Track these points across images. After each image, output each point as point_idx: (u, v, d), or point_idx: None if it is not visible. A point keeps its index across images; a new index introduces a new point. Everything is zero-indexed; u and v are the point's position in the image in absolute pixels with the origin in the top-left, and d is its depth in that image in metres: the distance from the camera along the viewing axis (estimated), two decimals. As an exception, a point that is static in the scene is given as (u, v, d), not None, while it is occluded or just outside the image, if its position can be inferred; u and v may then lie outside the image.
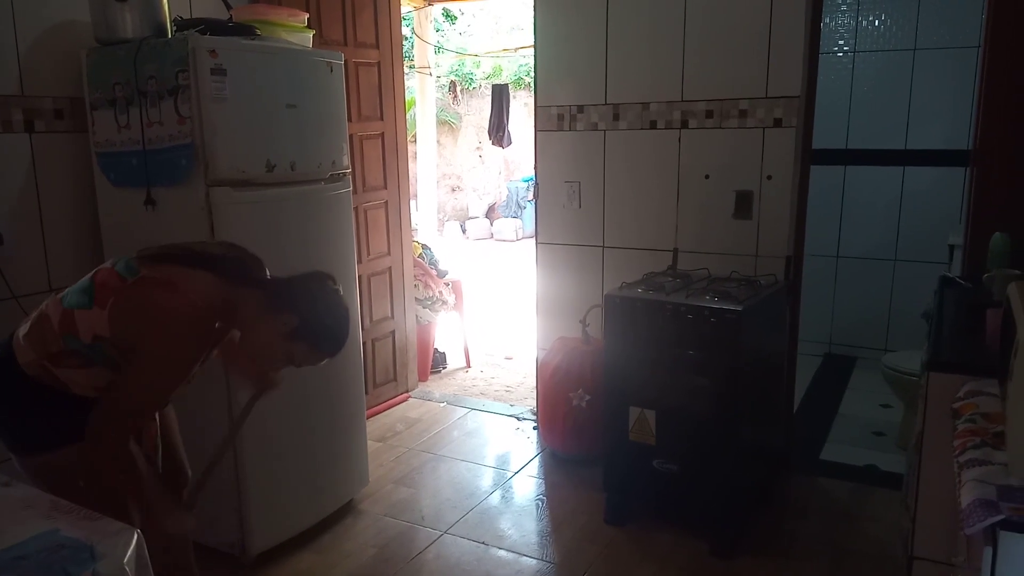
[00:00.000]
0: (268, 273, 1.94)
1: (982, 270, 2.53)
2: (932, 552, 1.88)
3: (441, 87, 12.54)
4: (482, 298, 6.94)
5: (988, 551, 1.20)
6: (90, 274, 1.83)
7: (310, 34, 2.94)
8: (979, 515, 1.21)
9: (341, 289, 1.97)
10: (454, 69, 12.95)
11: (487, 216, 12.79)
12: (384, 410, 4.19)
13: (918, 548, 1.92)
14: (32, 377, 1.76)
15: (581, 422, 3.38)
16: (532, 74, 3.72)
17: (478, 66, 12.94)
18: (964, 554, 1.49)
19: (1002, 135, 2.67)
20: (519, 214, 12.19)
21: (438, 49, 9.88)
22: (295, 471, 2.81)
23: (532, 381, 4.18)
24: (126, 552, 1.28)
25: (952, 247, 3.89)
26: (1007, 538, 1.19)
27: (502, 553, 2.84)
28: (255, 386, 2.11)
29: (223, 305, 1.79)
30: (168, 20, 2.58)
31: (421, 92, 7.63)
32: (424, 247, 5.01)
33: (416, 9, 6.71)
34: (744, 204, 3.20)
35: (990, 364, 1.68)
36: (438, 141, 10.84)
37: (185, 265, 1.79)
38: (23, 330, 1.81)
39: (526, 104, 11.61)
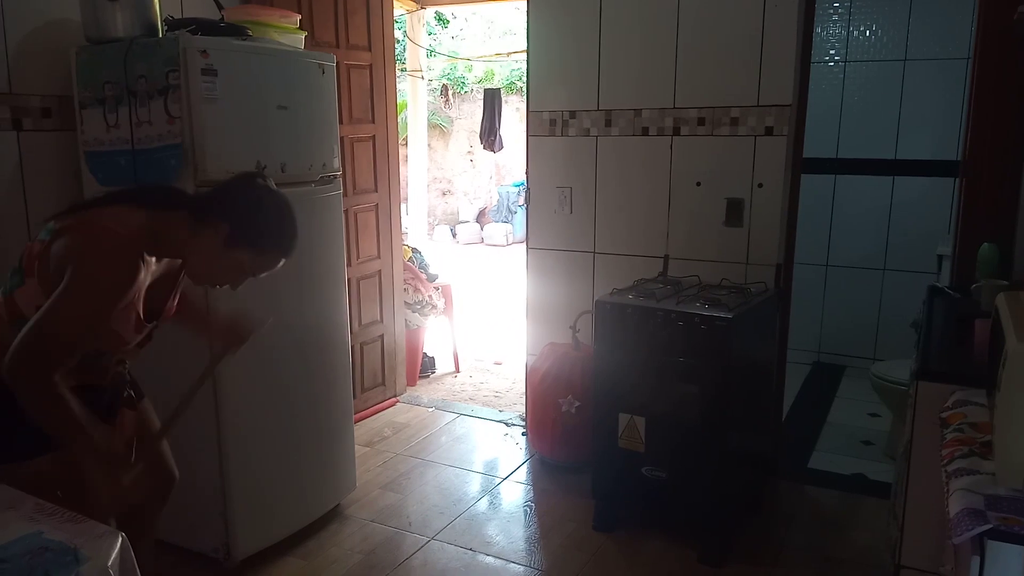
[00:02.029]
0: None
1: (971, 280, 2.54)
2: (920, 561, 1.88)
3: (433, 91, 12.54)
4: (472, 303, 6.93)
5: (976, 560, 1.21)
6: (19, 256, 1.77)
7: (302, 36, 2.93)
8: (967, 524, 1.21)
9: (272, 183, 1.86)
10: (446, 73, 12.95)
11: (478, 220, 12.79)
12: (372, 415, 4.17)
13: (906, 557, 1.92)
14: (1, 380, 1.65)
15: (570, 428, 3.38)
16: (524, 79, 3.72)
17: (470, 70, 12.95)
18: (952, 563, 1.49)
19: (991, 146, 2.69)
20: (510, 219, 12.19)
21: (430, 52, 9.87)
22: (281, 475, 2.79)
23: (521, 387, 4.17)
24: (110, 555, 1.27)
25: (941, 257, 3.91)
26: (994, 547, 1.20)
27: (489, 560, 2.83)
28: (225, 340, 2.06)
29: (148, 232, 1.69)
30: (159, 20, 2.57)
31: (413, 95, 7.61)
32: (414, 251, 5.00)
33: (409, 12, 6.71)
34: (735, 212, 3.21)
35: (978, 374, 1.69)
36: (429, 145, 10.84)
37: (100, 205, 1.73)
38: None
39: (518, 109, 11.63)
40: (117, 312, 1.68)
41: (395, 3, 4.55)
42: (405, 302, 4.53)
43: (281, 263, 1.81)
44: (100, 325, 1.66)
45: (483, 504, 3.25)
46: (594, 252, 3.56)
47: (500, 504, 3.27)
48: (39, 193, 2.64)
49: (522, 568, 2.77)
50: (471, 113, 12.75)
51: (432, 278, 4.95)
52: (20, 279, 1.71)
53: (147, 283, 1.76)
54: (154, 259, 1.74)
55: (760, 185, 3.15)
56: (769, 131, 3.11)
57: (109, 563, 1.25)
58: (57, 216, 1.73)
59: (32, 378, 1.59)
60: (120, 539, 1.30)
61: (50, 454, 1.71)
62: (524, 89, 3.80)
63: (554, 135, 3.57)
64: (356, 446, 3.24)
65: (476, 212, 12.91)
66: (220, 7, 2.76)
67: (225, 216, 1.72)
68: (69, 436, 1.66)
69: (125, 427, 1.94)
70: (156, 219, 1.71)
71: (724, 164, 3.21)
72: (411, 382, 4.69)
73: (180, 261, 1.83)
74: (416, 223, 7.76)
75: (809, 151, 3.36)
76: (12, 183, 2.57)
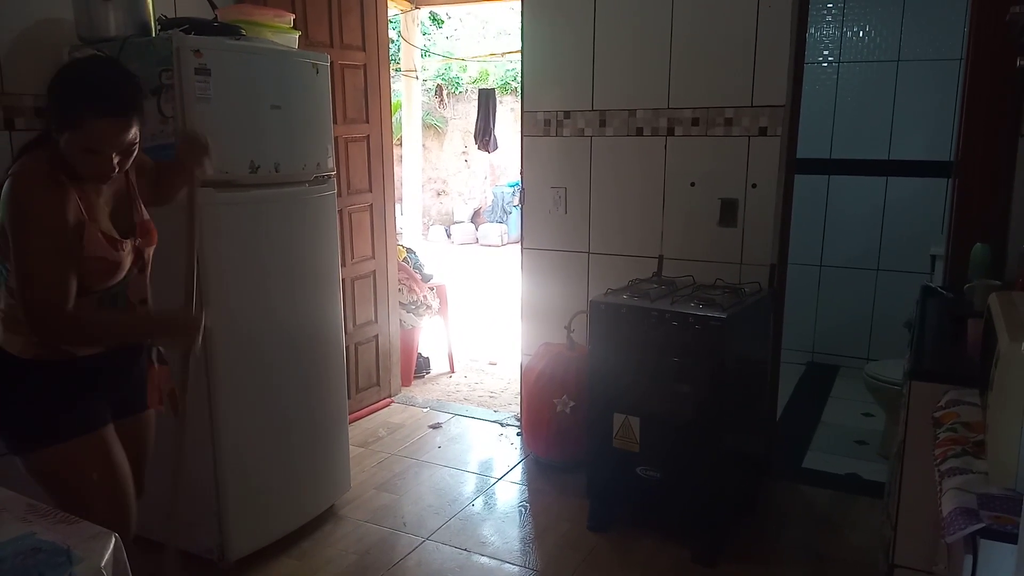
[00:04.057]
0: None
1: (963, 280, 2.55)
2: (913, 560, 1.89)
3: (427, 91, 12.53)
4: (467, 303, 6.93)
5: (968, 559, 1.21)
6: None
7: (296, 35, 2.92)
8: (960, 523, 1.21)
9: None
10: (441, 73, 12.94)
11: (472, 221, 12.78)
12: (366, 415, 4.17)
13: (899, 556, 1.93)
14: (31, 360, 1.79)
15: (565, 428, 3.38)
16: (519, 79, 3.72)
17: (465, 70, 12.94)
18: (945, 562, 1.49)
19: (984, 147, 2.70)
20: (504, 219, 12.19)
21: (425, 53, 9.87)
22: (275, 475, 2.79)
23: (516, 387, 4.17)
24: (103, 556, 1.26)
25: (934, 257, 3.92)
26: (987, 546, 1.20)
27: (484, 560, 2.82)
28: (192, 158, 2.13)
29: (52, 164, 1.73)
30: (152, 19, 2.56)
31: (407, 95, 7.61)
32: (409, 251, 4.99)
33: (403, 12, 6.70)
34: (729, 212, 3.21)
35: (971, 374, 1.70)
36: (424, 145, 10.82)
37: (12, 165, 1.78)
38: None
39: (512, 109, 11.63)
40: (76, 238, 1.73)
41: (389, 3, 4.55)
42: (400, 302, 4.52)
43: (120, 123, 1.72)
44: (67, 253, 1.71)
45: (478, 504, 3.25)
46: (589, 252, 3.56)
47: (495, 504, 3.27)
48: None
49: (517, 568, 2.77)
50: (465, 113, 12.74)
51: (427, 278, 4.94)
52: (3, 268, 1.78)
53: (99, 205, 1.83)
54: (84, 189, 1.78)
55: (754, 185, 3.16)
56: (763, 131, 3.11)
57: (102, 564, 1.24)
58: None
59: (59, 327, 1.72)
60: (113, 539, 1.30)
61: (76, 439, 1.81)
62: (519, 89, 3.80)
63: (548, 135, 3.57)
64: (351, 446, 3.24)
65: (471, 212, 12.91)
66: (214, 7, 2.76)
67: (51, 115, 1.75)
68: (140, 336, 1.97)
69: (160, 382, 2.05)
70: (52, 150, 1.75)
71: (718, 164, 3.21)
72: (406, 382, 4.68)
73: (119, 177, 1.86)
74: (411, 223, 7.75)
75: (803, 151, 3.37)
76: (3, 182, 2.55)
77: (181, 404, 2.06)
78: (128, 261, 1.88)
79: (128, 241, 1.88)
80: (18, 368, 1.79)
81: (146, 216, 2.00)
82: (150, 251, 1.99)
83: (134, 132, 1.77)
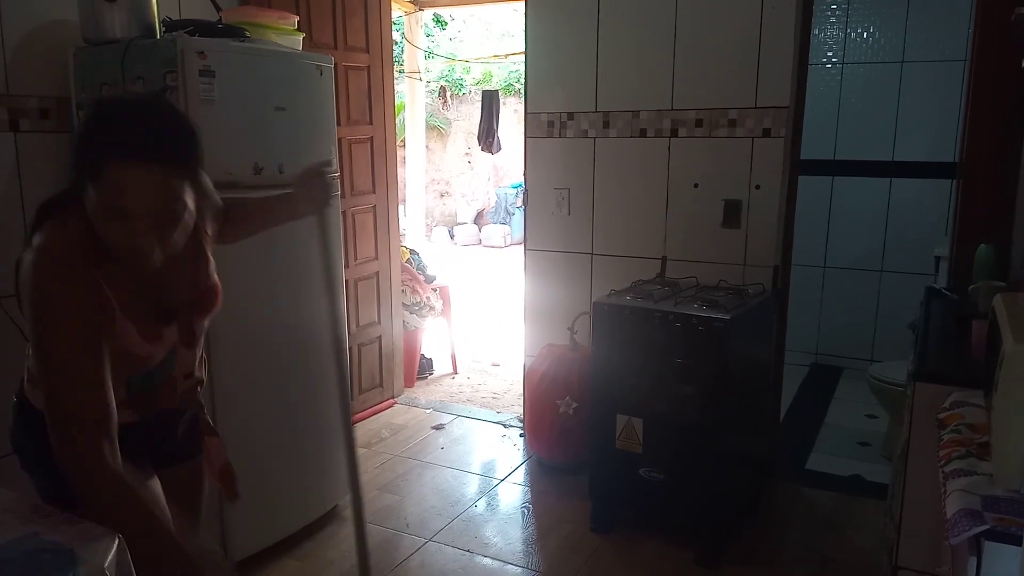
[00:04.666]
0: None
1: (968, 282, 2.55)
2: (917, 562, 1.88)
3: (431, 92, 12.54)
4: (470, 304, 6.93)
5: (972, 561, 1.21)
6: None
7: (300, 37, 2.93)
8: (964, 525, 1.21)
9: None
10: (444, 75, 12.95)
11: (475, 222, 12.79)
12: (369, 416, 4.17)
13: (903, 558, 1.92)
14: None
15: (568, 430, 3.38)
16: (522, 81, 3.72)
17: (468, 72, 12.95)
18: (948, 564, 1.49)
19: (988, 148, 2.70)
20: (508, 220, 12.19)
21: (428, 54, 9.87)
22: (278, 476, 2.79)
23: (519, 388, 4.17)
24: (107, 556, 1.26)
25: (938, 258, 3.92)
26: (991, 548, 1.20)
27: (487, 561, 2.82)
28: (311, 206, 1.86)
29: (80, 237, 1.38)
30: (157, 21, 2.57)
31: (411, 97, 7.62)
32: (412, 252, 5.00)
33: (407, 14, 6.71)
34: (732, 213, 3.21)
35: (975, 375, 1.69)
36: (427, 146, 10.83)
37: (38, 224, 1.46)
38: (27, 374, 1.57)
39: (516, 110, 11.63)
40: (107, 335, 1.38)
41: (393, 5, 4.55)
42: (403, 303, 4.53)
43: (151, 172, 1.31)
44: (93, 361, 1.34)
45: (481, 505, 3.25)
46: (592, 253, 3.56)
47: (498, 505, 3.27)
48: (36, 195, 2.61)
49: (519, 569, 2.77)
50: (469, 115, 12.75)
51: (430, 279, 4.95)
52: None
53: (136, 283, 1.45)
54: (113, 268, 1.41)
55: (758, 187, 3.16)
56: (767, 133, 3.11)
57: (106, 564, 1.24)
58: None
59: (84, 464, 1.32)
60: (117, 540, 1.30)
61: None
62: (522, 91, 3.80)
63: (552, 137, 3.57)
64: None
65: (474, 214, 12.91)
66: (218, 8, 2.77)
67: (76, 171, 1.40)
68: (157, 557, 1.35)
69: (213, 458, 1.78)
70: (84, 215, 1.38)
71: (722, 166, 3.21)
72: (409, 383, 4.68)
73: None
74: (414, 224, 7.76)
75: (806, 153, 3.36)
76: (9, 185, 2.57)
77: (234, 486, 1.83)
78: (164, 351, 1.55)
79: (170, 328, 1.54)
80: (41, 423, 1.43)
81: (213, 280, 1.66)
82: (206, 320, 1.66)
83: (177, 192, 1.35)
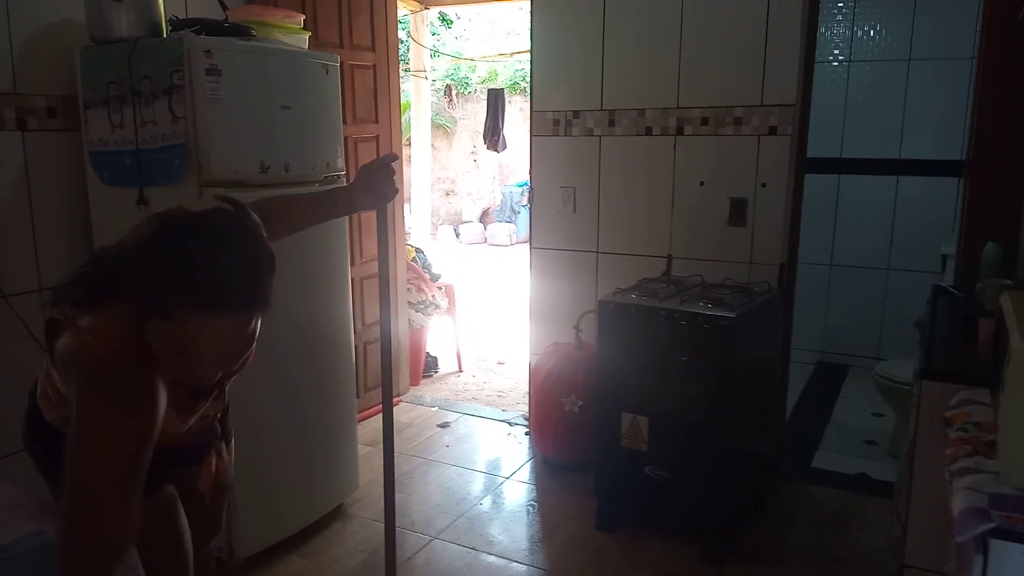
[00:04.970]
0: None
1: (974, 280, 2.54)
2: (923, 560, 1.88)
3: (436, 91, 12.55)
4: (475, 303, 6.93)
5: (979, 559, 1.21)
6: None
7: (306, 36, 2.94)
8: (970, 523, 1.21)
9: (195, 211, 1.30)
10: (450, 73, 12.96)
11: (481, 220, 12.79)
12: (375, 414, 4.17)
13: (909, 556, 1.92)
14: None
15: (573, 428, 3.38)
16: (528, 79, 3.72)
17: (474, 70, 12.95)
18: (955, 562, 1.49)
19: (995, 146, 2.69)
20: (513, 219, 12.19)
21: (434, 53, 9.87)
22: (284, 474, 2.80)
23: (524, 386, 4.17)
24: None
25: (945, 257, 3.90)
26: (998, 546, 1.19)
27: (492, 559, 2.83)
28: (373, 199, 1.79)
29: (143, 340, 1.24)
30: (163, 20, 2.57)
31: (416, 96, 7.62)
32: (417, 251, 5.00)
33: (412, 13, 6.71)
34: (738, 211, 3.20)
35: (982, 373, 1.69)
36: (433, 145, 10.83)
37: (90, 307, 1.30)
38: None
39: (521, 109, 11.63)
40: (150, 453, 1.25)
41: (399, 3, 4.55)
42: (408, 302, 4.53)
43: (232, 322, 1.22)
44: (130, 490, 1.20)
45: (486, 503, 3.25)
46: (597, 252, 3.56)
47: (503, 503, 3.28)
48: (44, 193, 2.65)
49: (524, 567, 2.78)
50: (475, 113, 12.76)
51: (435, 278, 4.95)
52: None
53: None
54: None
55: (764, 185, 3.15)
56: (773, 131, 3.10)
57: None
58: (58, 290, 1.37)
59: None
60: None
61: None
62: (528, 89, 3.80)
63: (557, 135, 3.57)
64: (359, 445, 3.25)
65: (479, 212, 12.92)
66: (224, 7, 2.77)
67: (143, 298, 1.23)
68: None
69: (209, 475, 1.70)
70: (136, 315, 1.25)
71: (728, 164, 3.20)
72: (414, 382, 4.69)
73: None
74: (419, 223, 7.77)
75: (813, 151, 3.36)
76: (17, 183, 2.58)
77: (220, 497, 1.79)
78: (193, 421, 1.50)
79: (204, 400, 1.49)
80: (53, 436, 1.46)
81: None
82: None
83: (251, 333, 1.27)
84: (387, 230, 2.01)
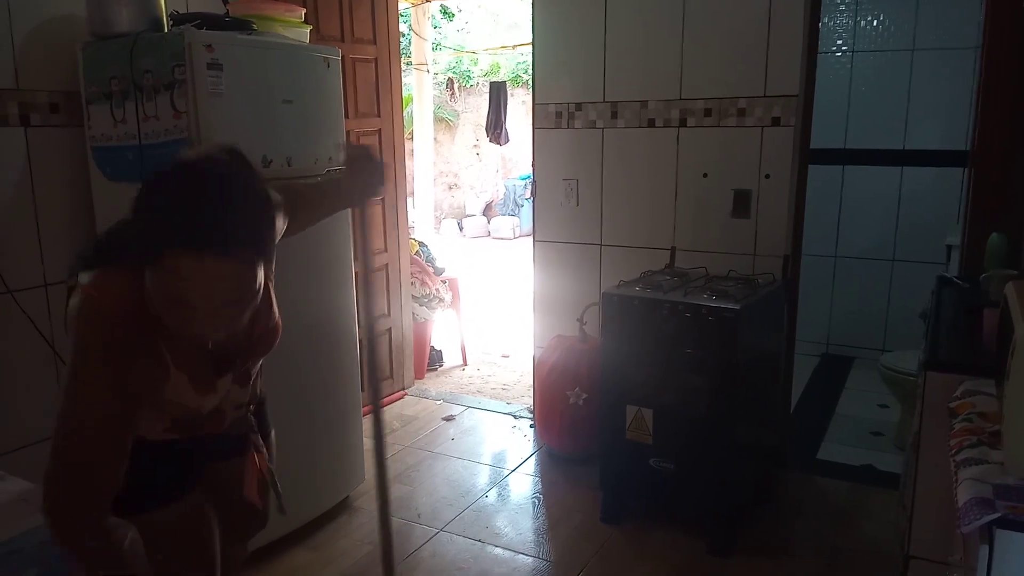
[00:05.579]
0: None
1: (979, 270, 2.53)
2: (928, 551, 1.88)
3: (438, 84, 12.53)
4: (479, 296, 6.93)
5: (984, 549, 1.20)
6: None
7: (307, 29, 2.93)
8: (975, 513, 1.20)
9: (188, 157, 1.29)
10: (452, 66, 12.94)
11: (484, 214, 12.79)
12: (382, 406, 4.18)
13: (914, 547, 1.92)
14: None
15: (578, 420, 3.38)
16: (530, 72, 3.71)
17: (476, 63, 12.93)
18: (960, 553, 1.49)
19: (1000, 136, 2.68)
20: (516, 212, 12.19)
21: (436, 46, 9.87)
22: (290, 467, 2.78)
23: (529, 379, 4.18)
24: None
25: (950, 247, 3.89)
26: (1003, 536, 1.19)
27: (498, 551, 2.83)
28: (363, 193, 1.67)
29: (139, 297, 1.24)
30: (164, 14, 2.57)
31: (418, 89, 7.62)
32: (421, 245, 5.00)
33: (414, 6, 6.71)
34: (742, 203, 3.20)
35: (987, 364, 1.68)
36: (435, 139, 10.84)
37: (106, 263, 1.31)
38: None
39: (524, 102, 11.61)
40: (147, 392, 1.31)
41: (400, -4, 4.54)
42: (412, 296, 4.54)
43: (221, 266, 1.16)
44: (122, 426, 1.26)
45: (491, 496, 3.26)
46: (601, 244, 3.56)
47: (508, 496, 3.28)
48: (48, 188, 2.65)
49: (530, 559, 2.78)
50: (477, 106, 12.74)
51: (439, 272, 4.95)
52: None
53: (188, 344, 1.34)
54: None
55: (767, 176, 3.14)
56: (776, 122, 3.09)
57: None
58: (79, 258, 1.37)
59: (72, 526, 1.24)
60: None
61: (164, 507, 1.47)
62: (530, 82, 3.79)
63: (560, 127, 3.56)
64: (364, 439, 3.25)
65: (482, 205, 12.92)
66: (225, 1, 2.77)
67: (138, 251, 1.22)
68: None
69: (248, 475, 1.68)
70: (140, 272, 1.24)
71: (731, 155, 3.20)
72: (419, 375, 4.70)
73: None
74: (423, 217, 7.78)
75: (817, 142, 3.34)
76: (21, 179, 2.58)
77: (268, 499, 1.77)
78: (216, 400, 1.47)
79: (225, 378, 1.46)
80: None
81: (275, 320, 1.58)
82: (262, 359, 1.60)
83: (249, 281, 1.21)
84: (366, 231, 1.86)
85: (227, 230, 1.16)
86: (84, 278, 1.28)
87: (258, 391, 1.71)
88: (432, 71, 8.43)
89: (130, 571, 1.28)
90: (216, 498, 1.63)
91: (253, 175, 1.27)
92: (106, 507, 1.25)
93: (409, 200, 4.66)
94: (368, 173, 1.72)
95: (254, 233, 1.22)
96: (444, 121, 12.88)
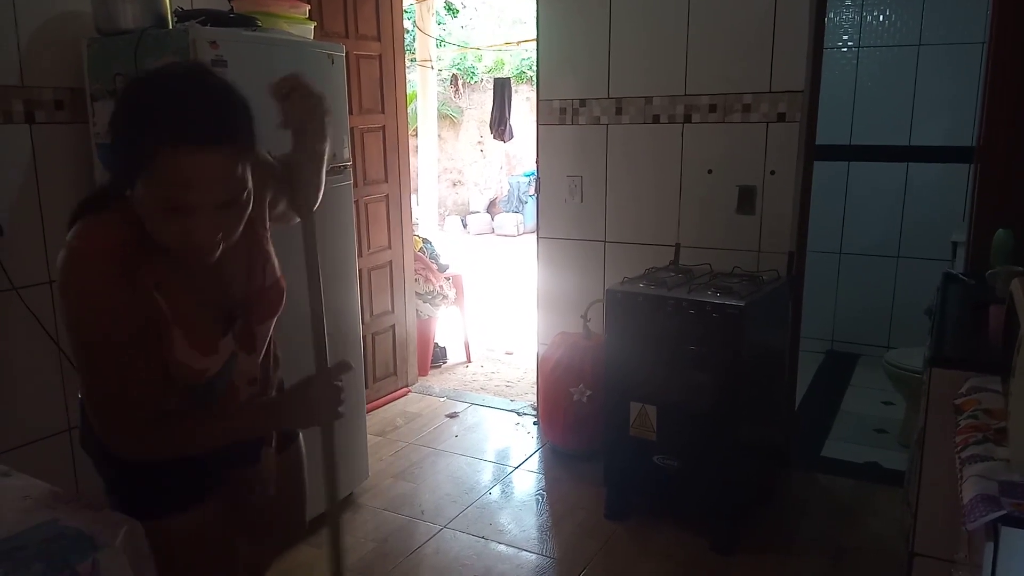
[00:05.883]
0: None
1: (985, 267, 2.52)
2: (933, 548, 1.88)
3: (443, 81, 12.52)
4: (483, 293, 6.94)
5: (989, 547, 1.20)
6: None
7: (311, 26, 2.93)
8: (980, 511, 1.20)
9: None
10: (456, 63, 12.93)
11: (488, 211, 12.78)
12: (384, 404, 4.19)
13: (919, 544, 1.91)
14: None
15: (582, 417, 3.38)
16: (534, 68, 3.70)
17: (480, 60, 12.92)
18: (965, 550, 1.48)
19: (1007, 132, 2.66)
20: (520, 209, 12.18)
21: (440, 42, 9.86)
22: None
23: (533, 376, 4.18)
24: (126, 542, 1.28)
25: (955, 244, 3.88)
26: (1009, 534, 1.19)
27: (502, 548, 2.84)
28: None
29: (125, 233, 1.25)
30: (169, 11, 2.57)
31: (422, 85, 7.62)
32: (425, 241, 5.01)
33: (418, 2, 6.70)
34: (747, 199, 3.19)
35: (993, 360, 1.68)
36: (439, 135, 10.84)
37: (82, 215, 1.31)
38: None
39: (528, 98, 11.60)
40: (146, 337, 1.29)
41: (404, -8, 4.54)
42: (416, 292, 4.54)
43: (210, 157, 1.18)
44: (141, 344, 1.28)
45: (495, 493, 3.26)
46: (605, 241, 3.55)
47: (512, 493, 3.28)
48: (53, 185, 2.65)
49: (534, 556, 2.78)
50: (481, 103, 12.73)
51: (443, 268, 4.95)
52: None
53: (193, 285, 1.36)
54: (174, 265, 1.31)
55: (772, 172, 3.13)
56: (781, 118, 3.08)
57: (117, 542, 1.26)
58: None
59: (140, 440, 1.32)
60: (135, 525, 1.31)
61: (187, 512, 1.48)
62: (534, 78, 3.78)
63: (564, 124, 3.55)
64: (368, 435, 3.26)
65: (486, 202, 12.91)
66: (229, -2, 2.77)
67: (113, 168, 1.30)
68: (256, 430, 1.50)
69: (264, 473, 1.65)
70: (126, 211, 1.27)
71: (736, 151, 3.19)
72: (423, 372, 4.70)
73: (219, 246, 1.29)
74: (427, 214, 7.78)
75: (822, 138, 3.33)
76: (26, 176, 2.58)
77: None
78: (220, 364, 1.43)
79: (227, 339, 1.43)
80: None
81: (274, 278, 1.57)
82: (270, 323, 1.58)
83: (242, 178, 1.24)
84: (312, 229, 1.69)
85: (212, 120, 1.19)
86: (68, 234, 1.28)
87: (272, 374, 1.68)
88: (436, 67, 8.42)
89: (239, 423, 1.42)
90: (239, 506, 1.62)
91: (221, 76, 1.31)
92: (156, 410, 1.31)
93: (413, 197, 4.67)
94: (300, 107, 1.67)
95: (237, 120, 1.25)
96: (448, 117, 12.87)
